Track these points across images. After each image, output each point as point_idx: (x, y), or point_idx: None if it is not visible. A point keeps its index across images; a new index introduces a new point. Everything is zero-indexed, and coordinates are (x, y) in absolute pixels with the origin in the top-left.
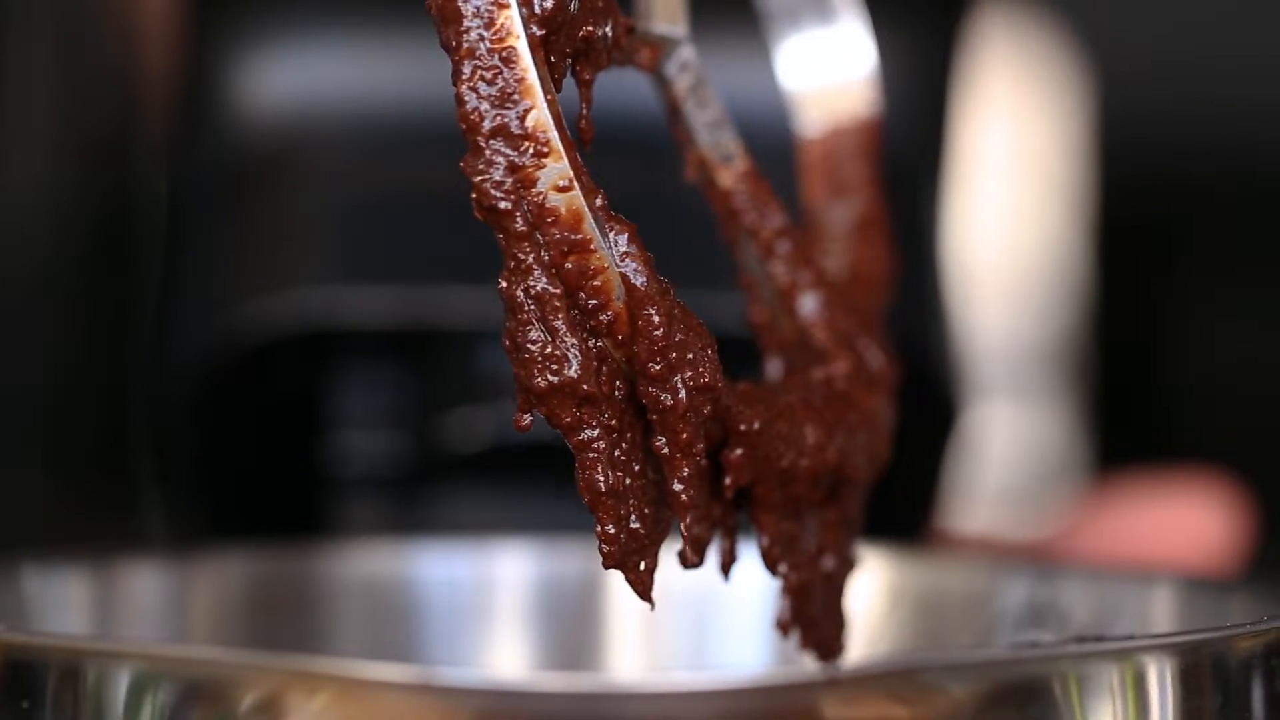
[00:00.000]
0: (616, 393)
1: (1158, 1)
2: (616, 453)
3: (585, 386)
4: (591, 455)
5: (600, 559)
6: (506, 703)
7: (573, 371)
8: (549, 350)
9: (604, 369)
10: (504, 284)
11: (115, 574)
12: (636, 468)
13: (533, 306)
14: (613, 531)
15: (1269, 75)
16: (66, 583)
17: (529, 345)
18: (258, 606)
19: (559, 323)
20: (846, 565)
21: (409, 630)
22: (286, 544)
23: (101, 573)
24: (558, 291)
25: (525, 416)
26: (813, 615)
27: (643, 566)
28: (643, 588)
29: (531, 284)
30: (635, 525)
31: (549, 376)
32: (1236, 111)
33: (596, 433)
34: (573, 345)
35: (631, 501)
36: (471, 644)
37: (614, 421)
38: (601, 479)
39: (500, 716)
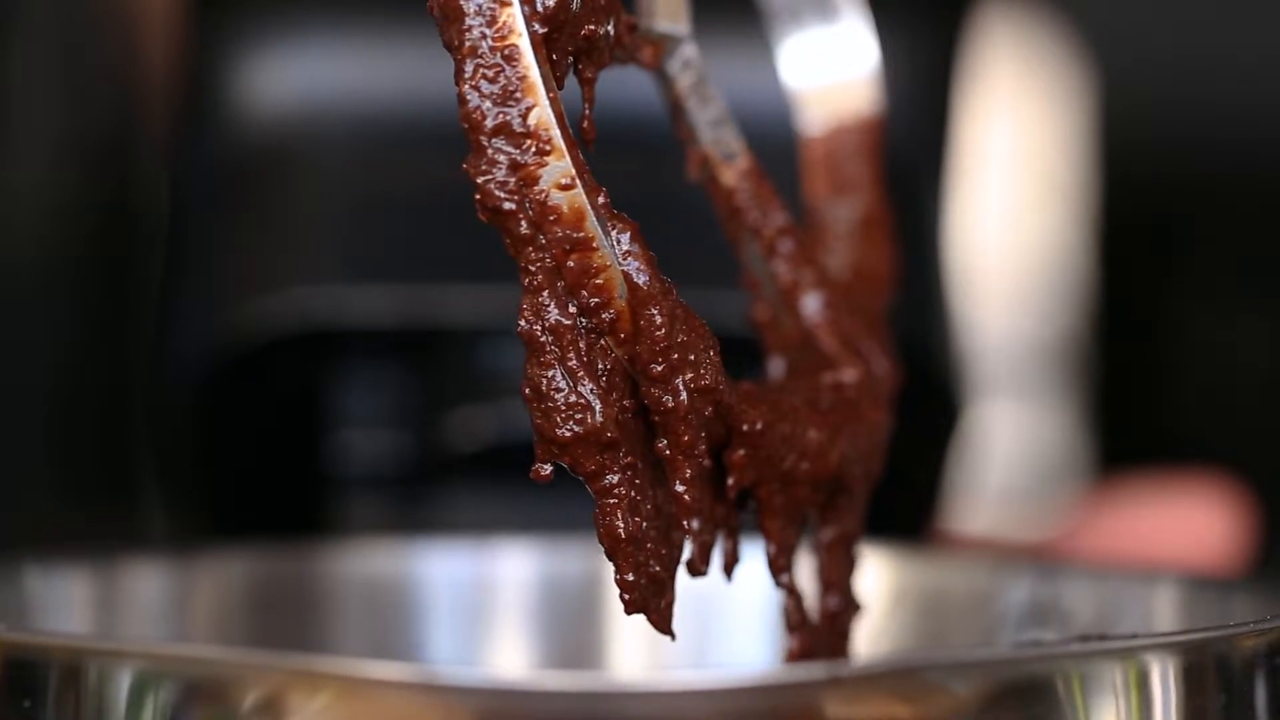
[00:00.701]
0: (625, 412)
1: (1159, 1)
2: (634, 493)
3: (609, 434)
4: (612, 502)
5: (614, 584)
6: (507, 702)
7: (596, 419)
8: (572, 399)
9: (614, 393)
10: (522, 324)
11: (117, 573)
12: (649, 506)
13: (553, 346)
14: (632, 579)
15: (1270, 75)
16: (68, 582)
17: (554, 394)
18: (259, 606)
19: (573, 361)
20: (852, 608)
21: (410, 629)
22: (288, 543)
23: (103, 572)
24: (570, 324)
25: (545, 467)
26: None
27: (662, 604)
28: (665, 625)
29: (547, 315)
30: (655, 569)
31: (573, 426)
32: (1237, 111)
33: (617, 478)
34: (591, 389)
35: (649, 545)
36: (473, 643)
37: (629, 459)
38: (621, 525)
39: (501, 716)
